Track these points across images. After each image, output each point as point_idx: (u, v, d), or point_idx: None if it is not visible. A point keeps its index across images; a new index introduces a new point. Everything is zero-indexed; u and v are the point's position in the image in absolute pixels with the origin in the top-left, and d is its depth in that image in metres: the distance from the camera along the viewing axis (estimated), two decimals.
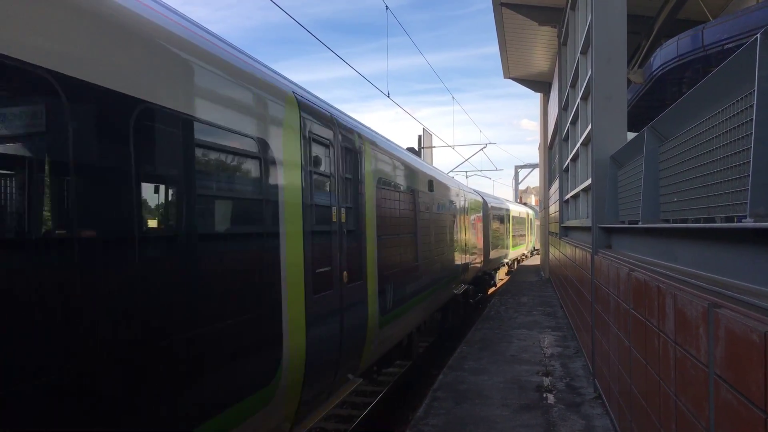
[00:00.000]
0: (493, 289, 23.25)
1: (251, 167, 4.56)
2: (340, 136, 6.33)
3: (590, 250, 8.10)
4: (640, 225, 5.24)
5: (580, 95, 10.66)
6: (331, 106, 6.64)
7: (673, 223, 4.53)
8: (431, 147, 29.18)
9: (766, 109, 2.66)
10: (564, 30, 14.74)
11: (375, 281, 7.31)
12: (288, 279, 4.83)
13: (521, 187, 63.85)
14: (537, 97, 26.30)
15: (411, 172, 9.73)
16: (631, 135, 7.57)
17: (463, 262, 15.48)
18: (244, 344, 4.22)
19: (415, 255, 9.80)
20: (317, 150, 5.69)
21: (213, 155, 4.10)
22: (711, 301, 3.03)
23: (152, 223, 3.49)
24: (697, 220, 3.86)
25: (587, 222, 9.22)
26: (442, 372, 9.22)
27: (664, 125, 4.77)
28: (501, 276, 27.29)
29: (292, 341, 4.84)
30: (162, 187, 3.57)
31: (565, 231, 14.85)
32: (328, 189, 5.95)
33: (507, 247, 28.95)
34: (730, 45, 9.87)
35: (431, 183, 11.10)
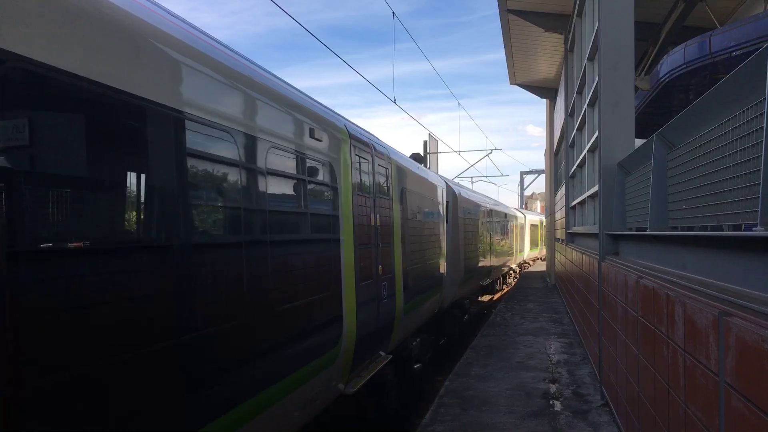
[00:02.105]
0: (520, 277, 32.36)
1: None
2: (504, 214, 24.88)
3: (597, 257, 8.08)
4: (648, 232, 5.23)
5: (587, 102, 10.66)
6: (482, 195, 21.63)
7: (681, 230, 4.52)
8: (437, 152, 29.18)
9: None
10: (571, 36, 14.75)
11: (492, 256, 19.51)
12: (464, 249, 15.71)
13: (527, 193, 63.69)
14: (543, 103, 26.32)
15: (496, 211, 21.75)
16: (638, 142, 7.57)
17: (514, 252, 29.07)
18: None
19: (502, 246, 23.56)
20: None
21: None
22: (721, 309, 3.02)
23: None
24: (705, 228, 3.85)
25: (594, 229, 9.20)
26: (447, 378, 9.20)
27: (673, 132, 4.77)
28: (534, 266, 40.08)
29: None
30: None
31: (572, 237, 14.81)
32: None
33: (539, 246, 41.09)
34: (738, 52, 9.84)
35: (505, 215, 24.19)
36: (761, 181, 2.71)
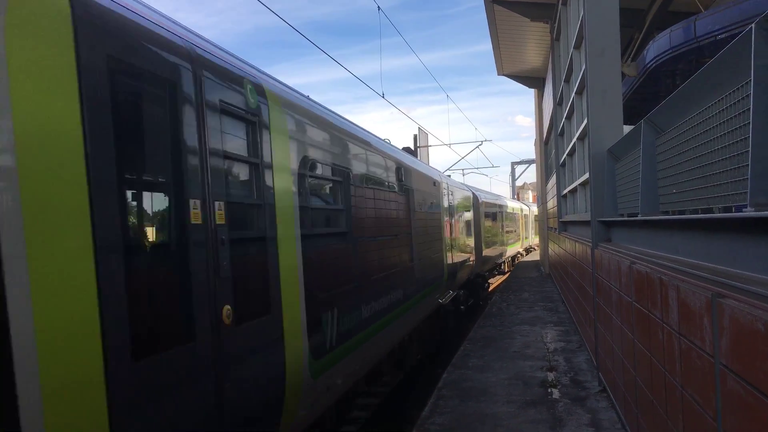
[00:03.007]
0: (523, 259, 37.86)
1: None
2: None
3: (590, 244, 8.12)
4: (639, 218, 5.26)
5: (575, 90, 10.68)
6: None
7: (672, 214, 4.55)
8: (427, 146, 29.16)
9: (762, 98, 2.67)
10: (556, 25, 14.77)
11: (503, 241, 26.63)
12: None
13: (518, 183, 63.76)
14: (531, 93, 26.32)
15: (507, 206, 29.36)
16: (626, 128, 7.59)
17: (521, 239, 36.45)
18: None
19: (511, 234, 30.81)
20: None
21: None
22: (714, 291, 3.04)
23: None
24: (695, 211, 3.88)
25: (586, 216, 9.24)
26: (446, 370, 9.23)
27: (661, 117, 4.79)
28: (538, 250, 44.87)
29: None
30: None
31: (564, 226, 14.87)
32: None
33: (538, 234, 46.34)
34: (723, 36, 9.89)
35: (513, 208, 31.77)
36: (749, 162, 2.72)
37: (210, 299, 3.65)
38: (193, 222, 3.53)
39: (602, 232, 7.71)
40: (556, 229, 17.48)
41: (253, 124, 4.48)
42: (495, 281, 25.15)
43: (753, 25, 2.69)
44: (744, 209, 2.83)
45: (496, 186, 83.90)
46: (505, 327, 12.62)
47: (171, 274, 3.42)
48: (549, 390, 7.82)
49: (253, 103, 4.49)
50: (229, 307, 3.84)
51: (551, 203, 20.20)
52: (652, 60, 12.15)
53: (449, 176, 18.73)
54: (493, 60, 22.14)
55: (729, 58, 3.12)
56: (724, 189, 3.27)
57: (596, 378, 8.09)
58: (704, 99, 3.59)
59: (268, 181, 4.58)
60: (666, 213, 4.74)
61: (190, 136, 3.59)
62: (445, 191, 13.56)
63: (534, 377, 8.48)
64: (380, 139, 8.78)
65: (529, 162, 54.21)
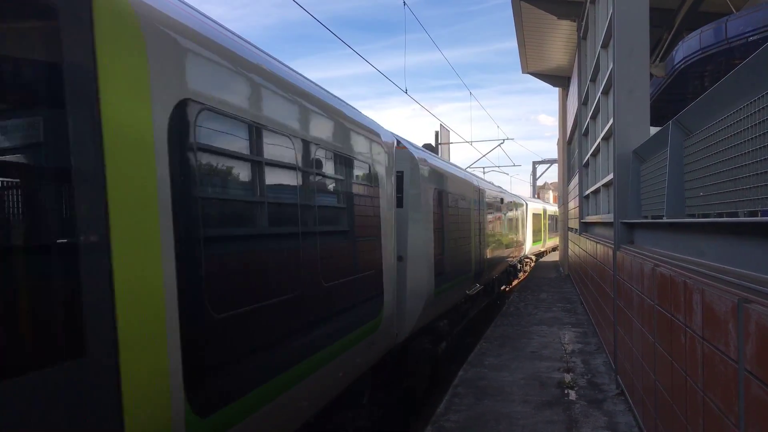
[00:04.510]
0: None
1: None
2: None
3: (612, 246, 8.04)
4: (664, 220, 5.19)
5: (601, 89, 10.56)
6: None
7: (698, 217, 4.48)
8: (448, 143, 29.07)
9: None
10: (584, 23, 14.60)
11: (543, 236, 37.26)
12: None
13: (539, 182, 63.22)
14: (555, 91, 26.09)
15: (545, 209, 39.18)
16: (652, 130, 7.49)
17: (550, 237, 42.57)
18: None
19: (548, 231, 41.08)
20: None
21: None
22: (741, 296, 3.00)
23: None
24: (720, 215, 3.82)
25: (609, 217, 9.14)
26: (462, 368, 9.22)
27: (690, 119, 4.72)
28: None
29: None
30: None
31: (585, 227, 14.73)
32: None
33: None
34: (755, 37, 9.71)
35: (555, 211, 41.59)
36: None
37: (480, 247, 13.73)
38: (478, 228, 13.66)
39: (625, 233, 7.62)
40: (576, 229, 17.32)
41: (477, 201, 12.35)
42: (533, 265, 32.14)
43: None
44: None
45: (516, 185, 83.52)
46: (522, 327, 12.56)
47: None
48: (566, 391, 7.78)
49: (478, 196, 12.57)
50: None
51: (572, 204, 20.02)
52: (681, 61, 11.96)
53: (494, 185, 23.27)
54: (517, 58, 21.98)
55: (761, 60, 3.06)
56: (753, 193, 3.22)
57: (614, 381, 8.02)
58: (736, 101, 3.52)
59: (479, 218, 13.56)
60: (692, 216, 4.68)
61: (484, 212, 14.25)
62: (513, 203, 21.18)
63: (551, 378, 8.43)
64: (509, 193, 20.94)
65: (551, 162, 53.73)
